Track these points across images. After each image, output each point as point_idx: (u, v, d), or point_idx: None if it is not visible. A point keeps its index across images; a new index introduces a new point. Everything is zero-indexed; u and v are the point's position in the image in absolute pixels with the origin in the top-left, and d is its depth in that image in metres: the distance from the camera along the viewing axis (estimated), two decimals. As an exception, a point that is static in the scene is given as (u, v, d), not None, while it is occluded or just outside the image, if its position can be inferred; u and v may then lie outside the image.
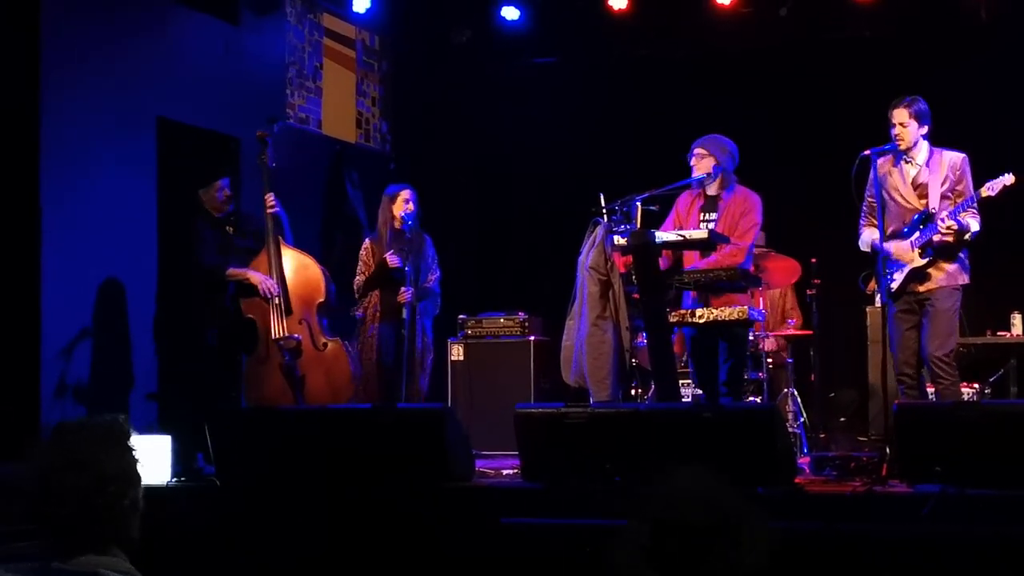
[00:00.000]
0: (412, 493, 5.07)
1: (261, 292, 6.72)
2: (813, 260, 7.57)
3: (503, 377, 7.93)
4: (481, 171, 9.98)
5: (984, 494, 4.49)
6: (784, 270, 7.41)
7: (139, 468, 2.38)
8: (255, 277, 6.75)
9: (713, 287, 6.05)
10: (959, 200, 5.80)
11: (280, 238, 6.87)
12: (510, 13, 9.05)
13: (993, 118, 8.13)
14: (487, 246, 10.02)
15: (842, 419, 8.25)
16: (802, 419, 7.47)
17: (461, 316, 8.22)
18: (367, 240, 7.23)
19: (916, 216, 5.85)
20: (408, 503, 5.03)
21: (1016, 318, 7.56)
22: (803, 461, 6.15)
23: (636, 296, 5.99)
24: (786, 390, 7.60)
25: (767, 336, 7.55)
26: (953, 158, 5.87)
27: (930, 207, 5.82)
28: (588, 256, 5.98)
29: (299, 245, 7.07)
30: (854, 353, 7.89)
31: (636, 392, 7.00)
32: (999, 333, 7.57)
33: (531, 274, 9.19)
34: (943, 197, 5.83)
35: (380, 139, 9.46)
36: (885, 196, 5.89)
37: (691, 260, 6.21)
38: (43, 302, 6.31)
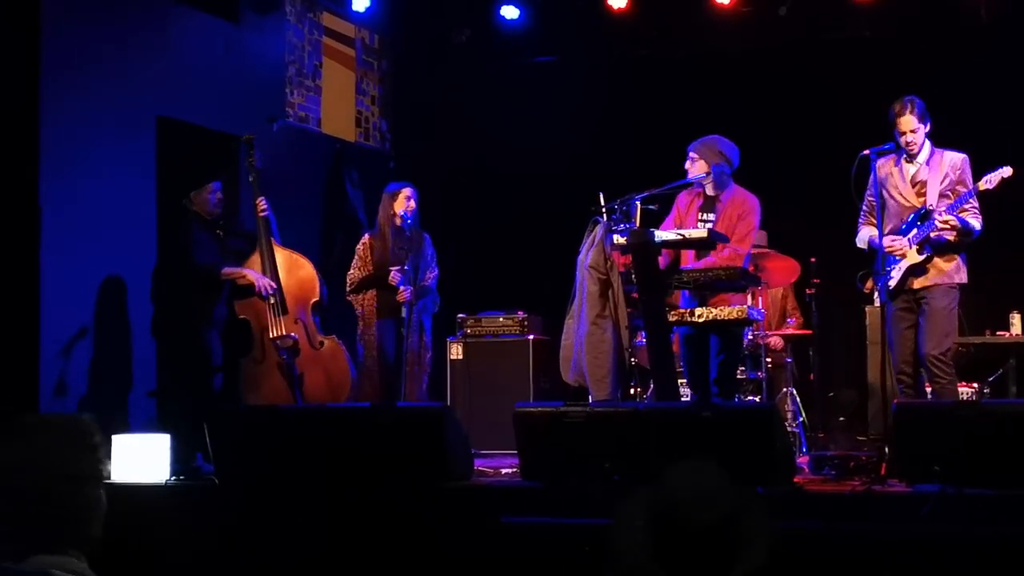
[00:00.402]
0: (411, 492, 5.07)
1: (257, 290, 6.74)
2: (812, 260, 7.57)
3: (502, 376, 7.93)
4: (481, 170, 9.98)
5: (983, 494, 4.49)
6: (784, 270, 7.42)
7: (102, 467, 2.34)
8: (251, 275, 6.77)
9: (712, 286, 6.05)
10: (956, 198, 5.80)
11: (272, 239, 6.88)
12: (510, 12, 9.05)
13: (993, 118, 8.12)
14: (487, 245, 10.02)
15: (841, 419, 8.25)
16: (801, 418, 7.47)
17: (460, 315, 8.23)
18: (366, 235, 7.24)
19: (914, 213, 5.86)
20: (407, 502, 5.03)
21: (1015, 318, 7.56)
22: (802, 460, 6.15)
23: (635, 295, 5.99)
24: (785, 389, 7.60)
25: (767, 336, 7.55)
26: (954, 158, 5.88)
27: (928, 204, 5.83)
28: (588, 255, 5.98)
29: (298, 244, 7.09)
30: (853, 353, 7.89)
31: (635, 391, 6.99)
32: (998, 333, 7.57)
33: (531, 273, 9.18)
34: (941, 196, 5.83)
35: (380, 138, 9.46)
36: (885, 195, 5.90)
37: (689, 261, 6.22)
38: (42, 301, 6.31)
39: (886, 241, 5.78)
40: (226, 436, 5.60)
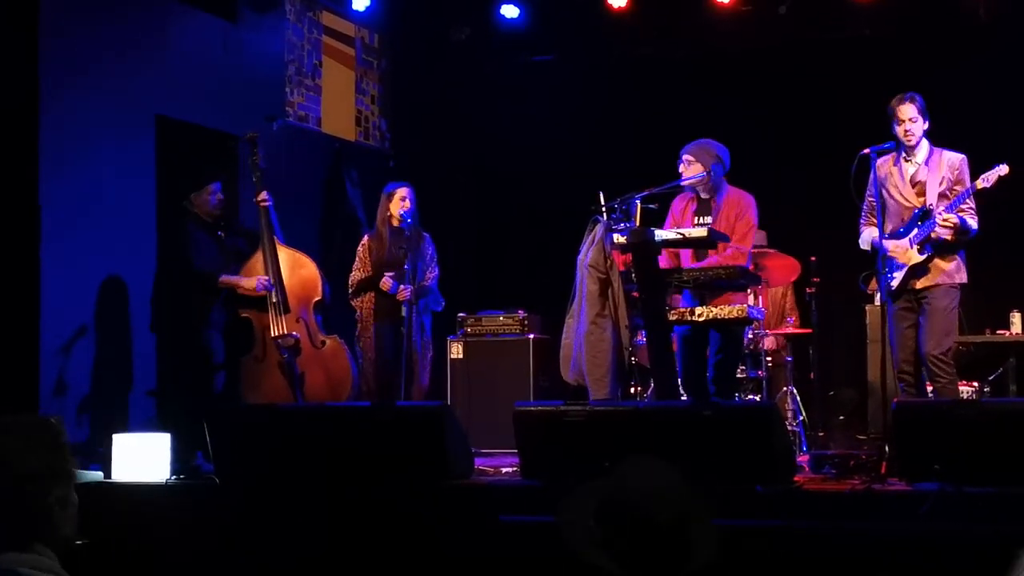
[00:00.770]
0: (411, 491, 5.08)
1: (257, 294, 6.74)
2: (812, 259, 7.57)
3: (502, 375, 7.92)
4: (480, 169, 9.98)
5: (982, 492, 4.50)
6: (784, 269, 7.42)
7: (69, 466, 2.36)
8: (247, 284, 6.77)
9: (712, 286, 6.05)
10: (955, 197, 5.81)
11: (275, 237, 6.89)
12: (509, 11, 9.05)
13: (993, 118, 8.13)
14: (487, 244, 10.02)
15: (841, 417, 8.25)
16: (801, 417, 7.47)
17: (460, 314, 8.22)
18: (365, 236, 7.25)
19: (914, 213, 5.86)
20: (407, 501, 5.04)
21: (1015, 317, 7.56)
22: (802, 459, 6.15)
23: (635, 294, 5.99)
24: (785, 388, 7.60)
25: (766, 334, 7.55)
26: (952, 158, 5.88)
27: (928, 204, 5.83)
28: (587, 254, 5.98)
29: (298, 243, 7.09)
30: (853, 352, 7.89)
31: (635, 390, 6.99)
32: (998, 332, 7.57)
33: (531, 272, 9.19)
34: (941, 196, 5.83)
35: (379, 137, 9.46)
36: (884, 194, 5.90)
37: (687, 263, 6.22)
38: (42, 300, 6.32)
39: (891, 248, 5.79)
40: (226, 435, 5.60)
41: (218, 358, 6.84)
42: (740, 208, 6.16)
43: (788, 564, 4.44)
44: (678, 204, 6.34)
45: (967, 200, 5.81)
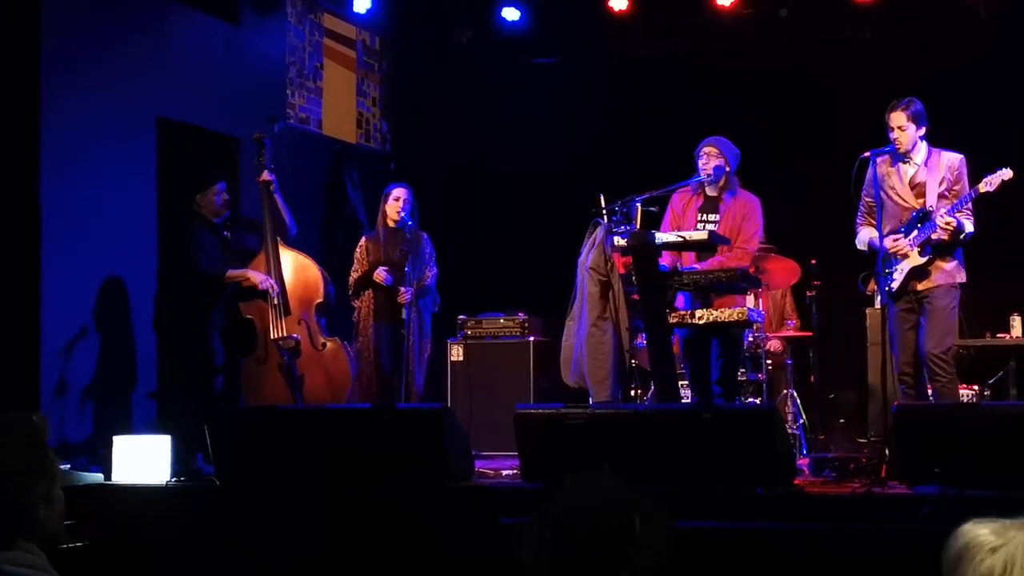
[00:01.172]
0: (412, 493, 5.08)
1: (261, 290, 6.74)
2: (813, 261, 7.57)
3: (503, 377, 7.92)
4: (481, 171, 9.98)
5: (983, 495, 4.49)
6: (784, 271, 7.42)
7: (51, 463, 2.37)
8: (255, 277, 6.78)
9: (712, 288, 6.05)
10: (955, 200, 5.81)
11: (279, 238, 6.89)
12: (510, 14, 9.05)
13: (993, 118, 8.13)
14: (487, 246, 10.02)
15: (841, 420, 8.24)
16: (801, 420, 7.47)
17: (461, 316, 8.22)
18: (363, 238, 7.25)
19: (914, 214, 5.86)
20: (408, 503, 5.04)
21: (1015, 320, 7.55)
22: (802, 462, 6.14)
23: (636, 297, 5.99)
24: (785, 391, 7.60)
25: (767, 337, 7.55)
26: (951, 159, 5.88)
27: (928, 205, 5.83)
28: (588, 257, 5.99)
29: (300, 245, 7.09)
30: (854, 354, 7.89)
31: (636, 393, 6.99)
32: (998, 335, 7.56)
33: (531, 274, 9.18)
34: (940, 197, 5.84)
35: (380, 139, 9.46)
36: (883, 196, 5.90)
37: (689, 262, 6.22)
38: (43, 302, 6.31)
39: (888, 242, 5.79)
40: (226, 436, 5.60)
41: (219, 360, 6.84)
42: (748, 209, 6.17)
43: (788, 567, 4.44)
44: (678, 201, 6.33)
45: (967, 204, 5.81)
